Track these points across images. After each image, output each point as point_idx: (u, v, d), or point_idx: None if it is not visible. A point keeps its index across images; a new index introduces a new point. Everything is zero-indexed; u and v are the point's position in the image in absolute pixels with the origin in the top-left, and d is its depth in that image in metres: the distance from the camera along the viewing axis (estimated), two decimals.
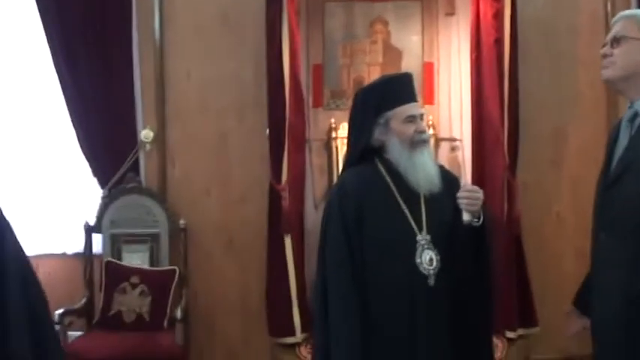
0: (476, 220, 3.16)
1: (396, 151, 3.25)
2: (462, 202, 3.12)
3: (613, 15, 4.53)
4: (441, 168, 3.44)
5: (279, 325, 5.17)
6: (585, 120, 5.58)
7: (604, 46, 2.91)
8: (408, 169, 3.23)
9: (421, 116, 3.30)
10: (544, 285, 5.41)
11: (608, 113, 5.50)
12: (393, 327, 3.16)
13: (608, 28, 3.95)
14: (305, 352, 5.07)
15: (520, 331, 5.18)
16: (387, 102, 3.25)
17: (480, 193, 3.15)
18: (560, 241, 5.60)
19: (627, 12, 2.99)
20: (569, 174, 5.60)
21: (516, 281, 5.17)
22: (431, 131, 5.08)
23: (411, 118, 3.24)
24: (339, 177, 3.51)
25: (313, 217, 5.52)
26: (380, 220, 3.21)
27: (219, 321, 5.58)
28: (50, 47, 5.38)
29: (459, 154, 5.65)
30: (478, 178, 5.15)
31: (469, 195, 3.12)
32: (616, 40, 2.86)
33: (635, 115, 2.84)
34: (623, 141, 2.88)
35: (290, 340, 5.14)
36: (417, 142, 3.24)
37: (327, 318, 3.20)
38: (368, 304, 3.16)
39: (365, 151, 3.33)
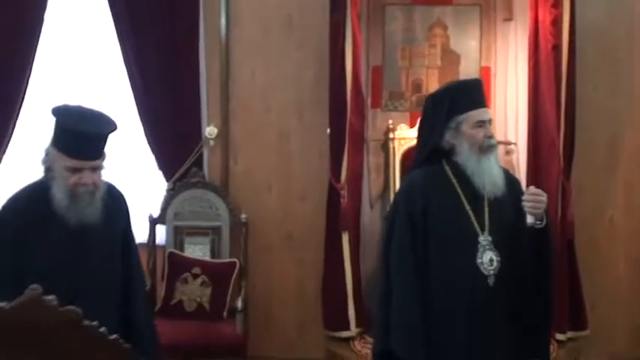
0: (539, 222, 3.33)
1: (464, 155, 3.42)
2: (527, 205, 3.29)
3: None
4: (504, 171, 3.61)
5: (335, 319, 5.39)
6: None
7: None
8: (475, 173, 3.40)
9: (489, 121, 3.47)
10: (595, 288, 5.54)
11: None
12: (452, 324, 3.34)
13: None
14: (359, 346, 5.27)
15: (570, 334, 5.31)
16: (459, 106, 3.41)
17: (544, 197, 3.32)
18: (613, 246, 5.73)
19: None
20: (624, 179, 5.74)
21: (568, 284, 5.29)
22: None
23: (481, 123, 3.40)
24: (406, 176, 3.68)
25: (369, 215, 5.76)
26: (444, 219, 3.39)
27: (276, 313, 5.82)
28: (120, 44, 5.63)
29: (514, 157, 5.78)
30: (533, 182, 5.19)
31: (534, 198, 3.29)
32: None
33: None
34: None
35: (345, 334, 5.35)
36: (485, 147, 3.41)
37: (390, 310, 3.39)
38: (428, 301, 3.34)
39: (433, 152, 3.50)
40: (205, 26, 5.68)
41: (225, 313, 5.35)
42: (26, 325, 2.24)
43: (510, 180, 3.57)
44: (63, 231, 3.25)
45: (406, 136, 5.66)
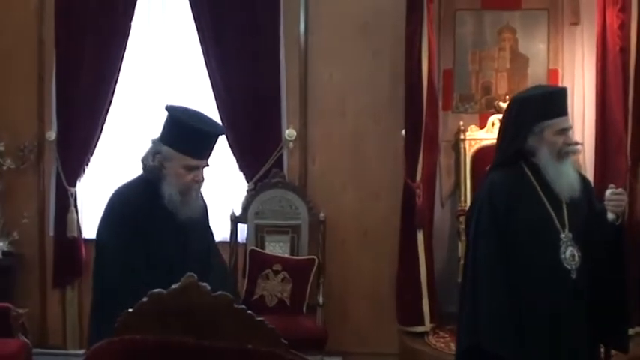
0: (618, 220, 3.68)
1: (544, 159, 3.71)
2: (610, 204, 3.64)
3: None
4: (577, 172, 3.94)
5: (409, 314, 5.74)
6: None
7: None
8: (554, 178, 3.71)
9: (569, 129, 3.80)
10: None
11: None
12: (538, 316, 3.64)
13: None
14: (434, 340, 5.61)
15: (637, 328, 5.42)
16: (544, 113, 3.69)
17: (624, 196, 3.68)
18: None
19: None
20: None
21: (636, 280, 5.51)
22: None
23: (563, 132, 3.72)
24: (486, 176, 3.94)
25: (440, 214, 6.12)
26: (528, 217, 3.69)
27: (352, 307, 6.22)
28: (203, 51, 6.08)
29: (580, 157, 6.04)
30: (600, 181, 5.49)
31: (617, 197, 3.65)
32: None
33: None
34: None
35: (419, 329, 5.69)
36: (563, 153, 3.72)
37: (478, 307, 3.68)
38: (514, 296, 3.64)
39: (514, 154, 3.80)
40: (285, 33, 6.10)
41: (304, 308, 5.73)
42: (183, 309, 2.63)
43: (583, 181, 3.88)
44: (171, 224, 3.59)
45: (476, 137, 6.03)
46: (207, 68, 6.08)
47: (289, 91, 6.15)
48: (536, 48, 6.20)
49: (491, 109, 6.13)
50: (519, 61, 6.20)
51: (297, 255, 6.00)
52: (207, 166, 3.63)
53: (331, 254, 6.11)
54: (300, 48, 6.14)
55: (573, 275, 3.65)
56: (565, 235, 3.69)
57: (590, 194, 3.88)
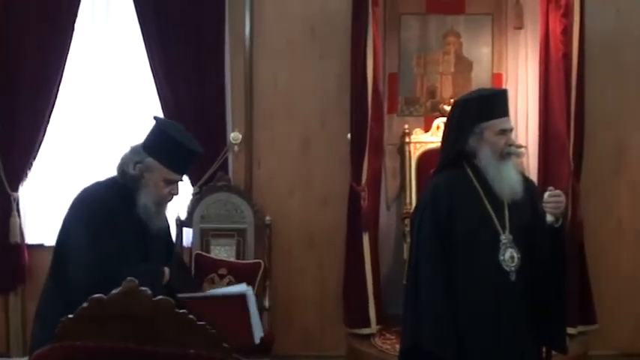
0: (557, 222, 3.77)
1: (485, 160, 3.83)
2: (548, 206, 3.74)
3: None
4: (521, 174, 4.05)
5: (355, 316, 5.81)
6: None
7: None
8: (495, 179, 3.82)
9: (511, 130, 3.90)
10: (603, 285, 5.98)
11: None
12: (478, 317, 3.74)
13: None
14: (380, 342, 5.69)
15: (580, 328, 5.71)
16: (484, 114, 3.81)
17: (563, 198, 3.77)
18: (620, 245, 6.20)
19: None
20: (630, 181, 6.20)
21: (578, 281, 5.69)
22: None
23: (503, 132, 3.83)
24: (431, 178, 4.07)
25: (385, 216, 6.21)
26: (468, 219, 3.81)
27: (298, 311, 6.26)
28: (148, 53, 6.05)
29: (524, 160, 6.16)
30: (544, 184, 5.51)
31: (555, 199, 3.74)
32: None
33: None
34: None
35: (365, 331, 5.76)
36: (505, 154, 3.84)
37: (419, 307, 3.78)
38: (455, 297, 3.74)
39: (456, 155, 3.92)
40: (230, 36, 6.09)
41: None
42: (124, 314, 2.66)
43: (527, 182, 4.00)
44: (138, 231, 3.72)
45: (421, 140, 6.13)
46: (152, 70, 6.04)
47: (234, 93, 6.15)
48: (480, 52, 6.30)
49: (435, 112, 6.22)
50: (464, 65, 6.29)
51: (243, 259, 6.00)
52: (182, 181, 3.83)
53: (277, 258, 6.14)
54: (245, 50, 6.14)
55: (512, 277, 3.75)
56: (505, 236, 3.78)
57: (534, 196, 3.96)
